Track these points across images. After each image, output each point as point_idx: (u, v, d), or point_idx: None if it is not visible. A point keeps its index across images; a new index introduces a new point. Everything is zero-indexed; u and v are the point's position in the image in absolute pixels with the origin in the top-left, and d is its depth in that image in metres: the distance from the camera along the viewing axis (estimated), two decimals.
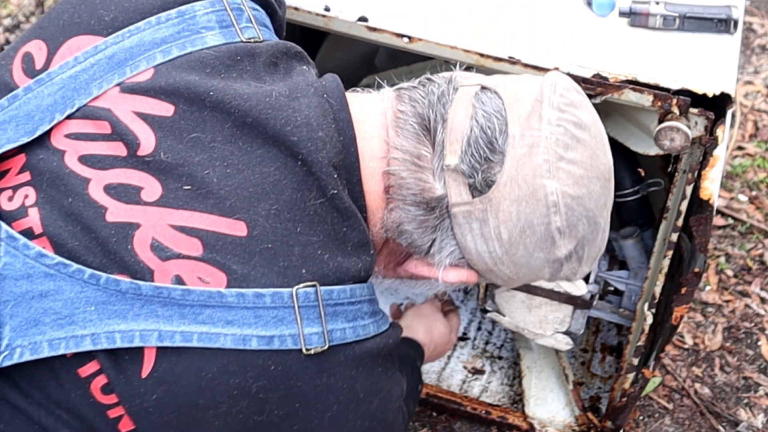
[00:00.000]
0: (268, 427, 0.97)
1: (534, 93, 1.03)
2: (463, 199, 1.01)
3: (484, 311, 1.75)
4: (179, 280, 0.94)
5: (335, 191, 1.00)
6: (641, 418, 1.92)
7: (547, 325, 1.68)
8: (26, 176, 0.99)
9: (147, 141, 0.98)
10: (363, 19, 1.38)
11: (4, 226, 0.95)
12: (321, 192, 0.99)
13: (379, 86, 1.12)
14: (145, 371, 0.94)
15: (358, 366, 1.01)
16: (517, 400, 1.90)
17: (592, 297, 1.64)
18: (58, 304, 0.94)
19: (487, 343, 2.01)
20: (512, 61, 1.34)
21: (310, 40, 1.23)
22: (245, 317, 0.94)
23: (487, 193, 1.01)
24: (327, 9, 1.38)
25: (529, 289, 1.64)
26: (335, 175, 1.00)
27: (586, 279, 1.63)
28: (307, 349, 0.96)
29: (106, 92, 1.01)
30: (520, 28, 1.39)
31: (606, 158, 1.06)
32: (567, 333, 1.69)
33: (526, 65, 1.34)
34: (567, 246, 1.03)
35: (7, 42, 2.59)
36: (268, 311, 0.95)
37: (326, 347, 0.97)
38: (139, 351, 0.94)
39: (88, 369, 0.95)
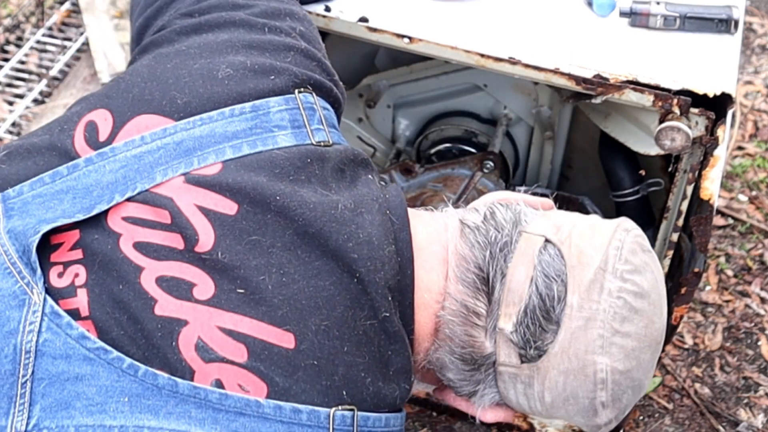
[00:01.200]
0: None
1: (598, 257, 1.00)
2: (512, 363, 1.00)
3: None
4: (219, 384, 0.92)
5: (387, 314, 0.98)
6: (641, 418, 1.92)
7: None
8: (78, 254, 0.97)
9: (206, 237, 0.96)
10: (363, 19, 1.38)
11: (50, 301, 0.93)
12: (373, 313, 0.97)
13: (443, 207, 1.10)
14: None
15: None
16: None
17: None
18: (92, 390, 0.92)
19: None
20: (513, 62, 1.34)
21: None
22: (278, 431, 0.93)
23: (537, 362, 0.99)
24: (327, 9, 1.38)
25: None
26: (389, 298, 0.98)
27: None
28: None
29: (170, 180, 0.98)
30: (520, 28, 1.39)
31: (661, 322, 1.03)
32: None
33: (527, 65, 1.34)
34: (608, 415, 1.02)
35: (7, 42, 2.59)
36: (302, 428, 0.93)
37: None
38: None
39: None
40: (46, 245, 0.97)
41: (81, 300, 0.94)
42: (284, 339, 0.93)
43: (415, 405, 1.91)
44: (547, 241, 1.01)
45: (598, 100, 1.38)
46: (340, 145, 1.07)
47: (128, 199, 0.98)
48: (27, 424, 0.91)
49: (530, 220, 1.05)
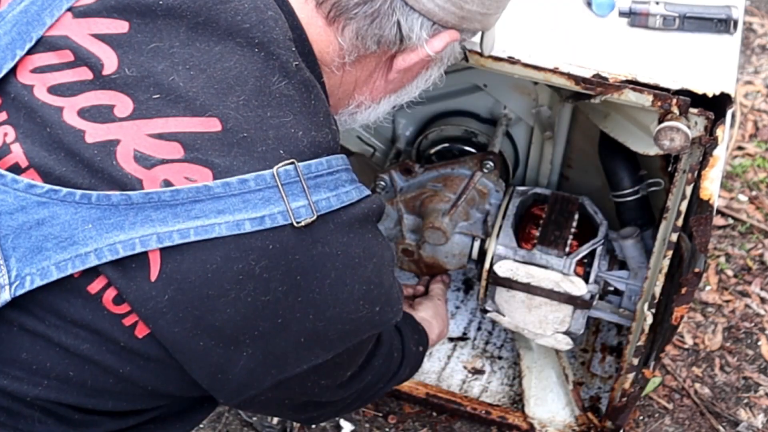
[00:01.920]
0: (275, 305, 1.00)
1: None
2: None
3: (484, 311, 1.75)
4: (168, 183, 0.97)
5: (297, 63, 1.04)
6: (641, 418, 1.92)
7: (547, 325, 1.69)
8: (3, 116, 1.02)
9: (109, 60, 1.02)
10: None
11: None
12: (285, 72, 1.03)
13: None
14: (154, 274, 0.97)
15: (348, 232, 1.04)
16: (517, 400, 1.90)
17: (592, 297, 1.64)
18: (57, 229, 0.97)
19: (487, 343, 2.01)
20: (512, 61, 1.34)
21: None
22: (234, 204, 0.98)
23: None
24: None
25: (529, 289, 1.64)
26: (293, 49, 1.05)
27: (586, 279, 1.63)
28: (297, 222, 0.99)
29: (59, 20, 1.04)
30: (519, 28, 1.39)
31: None
32: (567, 333, 1.69)
33: (526, 65, 1.34)
34: None
35: None
36: (254, 194, 0.98)
37: (315, 217, 1.00)
38: (144, 257, 0.97)
39: (96, 285, 0.99)
40: None
41: (17, 154, 0.99)
42: (210, 124, 0.99)
43: (415, 405, 1.91)
44: None
45: (597, 100, 1.38)
46: None
47: (30, 52, 1.04)
48: (10, 277, 0.97)
49: None
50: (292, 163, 1.00)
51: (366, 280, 1.06)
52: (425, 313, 1.66)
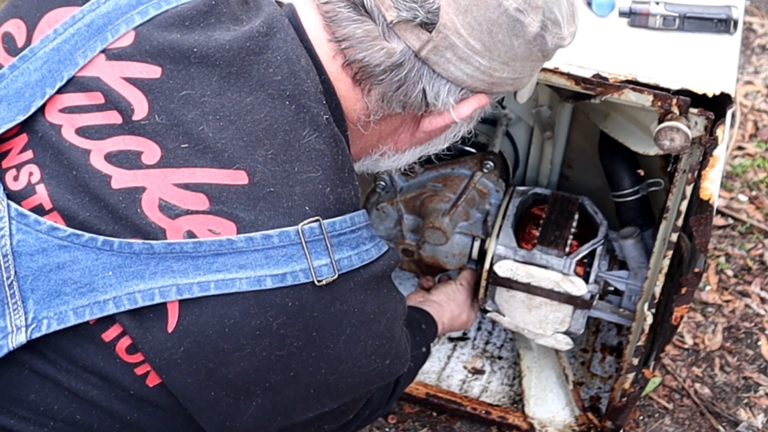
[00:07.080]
0: (288, 359, 1.00)
1: None
2: (423, 40, 1.03)
3: (484, 311, 1.75)
4: (191, 235, 0.97)
5: (327, 117, 1.03)
6: (641, 418, 1.92)
7: (547, 325, 1.69)
8: (29, 154, 1.01)
9: (140, 105, 1.01)
10: None
11: (13, 204, 0.98)
12: (315, 125, 1.02)
13: None
14: (171, 325, 0.97)
15: (366, 290, 1.04)
16: (517, 400, 1.90)
17: (592, 297, 1.64)
18: (77, 274, 0.97)
19: (487, 343, 2.01)
20: None
21: None
22: (257, 259, 0.97)
23: (437, 21, 1.02)
24: None
25: (529, 289, 1.64)
26: (324, 102, 1.04)
27: (586, 279, 1.63)
28: (318, 281, 0.99)
29: (92, 61, 1.03)
30: None
31: None
32: (567, 333, 1.69)
33: None
34: (535, 18, 1.04)
35: None
36: (277, 251, 0.98)
37: (336, 276, 1.00)
38: (162, 308, 0.97)
39: (111, 333, 0.98)
40: None
41: (41, 195, 0.99)
42: (237, 177, 0.99)
43: (415, 405, 1.91)
44: None
45: (597, 100, 1.38)
46: None
47: (60, 91, 1.02)
48: (26, 319, 0.97)
49: None
50: (317, 220, 0.99)
51: (379, 336, 1.06)
52: (437, 297, 1.67)
